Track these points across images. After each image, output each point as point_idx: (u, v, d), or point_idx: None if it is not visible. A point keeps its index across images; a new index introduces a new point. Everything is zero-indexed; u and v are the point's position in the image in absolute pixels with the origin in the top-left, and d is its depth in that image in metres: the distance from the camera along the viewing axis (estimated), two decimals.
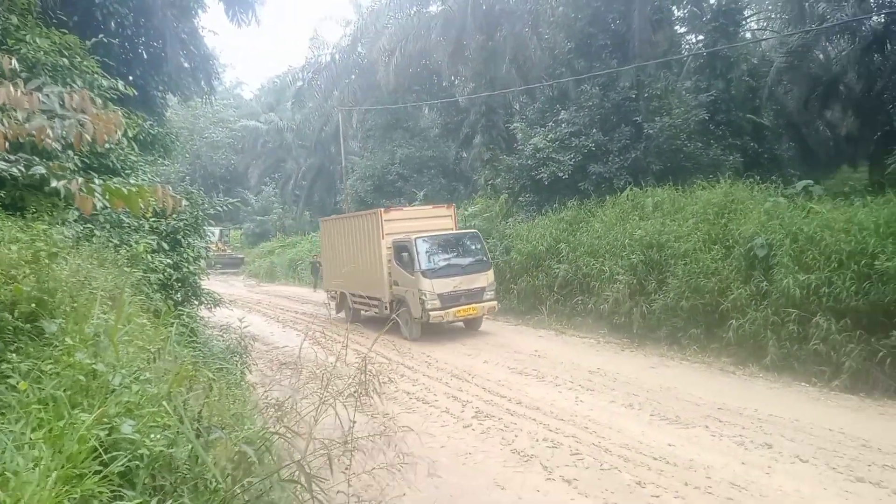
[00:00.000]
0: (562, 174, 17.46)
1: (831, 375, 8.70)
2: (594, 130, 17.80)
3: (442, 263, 13.55)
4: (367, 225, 15.16)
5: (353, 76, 33.07)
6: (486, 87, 23.81)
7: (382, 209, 15.16)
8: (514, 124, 20.72)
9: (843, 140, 24.04)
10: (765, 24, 26.64)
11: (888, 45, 19.16)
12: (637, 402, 8.52)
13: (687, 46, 23.02)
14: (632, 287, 12.41)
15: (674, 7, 20.93)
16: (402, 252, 13.73)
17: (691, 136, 17.47)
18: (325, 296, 19.80)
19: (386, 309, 14.33)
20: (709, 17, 19.62)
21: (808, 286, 9.21)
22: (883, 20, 19.30)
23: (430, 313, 13.08)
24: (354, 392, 3.71)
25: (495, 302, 14.02)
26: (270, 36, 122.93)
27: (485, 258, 14.12)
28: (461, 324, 14.25)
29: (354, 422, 3.76)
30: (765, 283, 10.02)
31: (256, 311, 19.67)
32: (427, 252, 13.47)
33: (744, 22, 21.95)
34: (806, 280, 9.26)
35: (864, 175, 21.10)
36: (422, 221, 14.79)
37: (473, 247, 14.27)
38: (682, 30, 22.96)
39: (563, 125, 18.29)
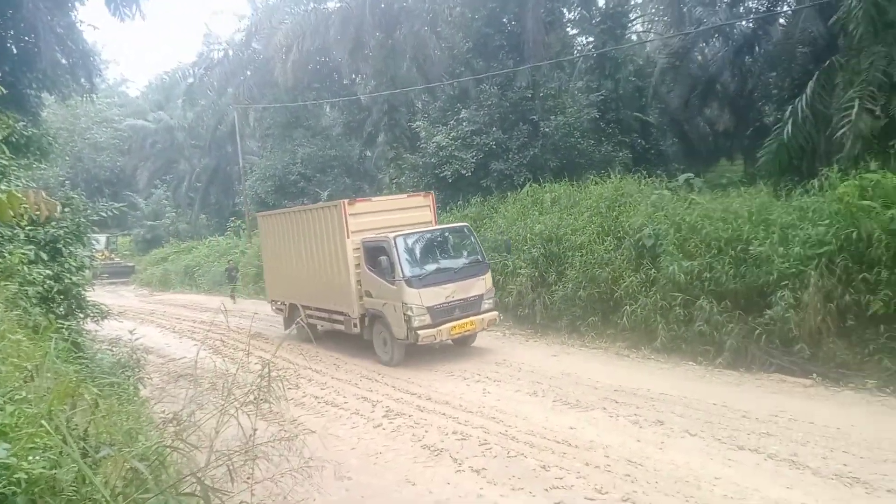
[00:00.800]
0: (465, 172, 17.79)
1: (715, 353, 9.41)
2: (494, 129, 18.25)
3: (430, 268, 10.92)
4: (325, 221, 12.26)
5: (248, 73, 32.01)
6: (388, 85, 23.77)
7: (346, 200, 11.93)
8: (417, 123, 20.87)
9: (721, 135, 25.94)
10: (649, 26, 28.26)
11: (757, 47, 20.93)
12: (541, 389, 8.84)
13: (578, 48, 24.03)
14: (534, 280, 12.85)
15: (565, 10, 21.78)
16: (378, 255, 10.80)
17: (584, 133, 18.33)
18: (239, 306, 19.01)
19: (355, 326, 11.72)
20: (598, 19, 20.60)
21: (692, 272, 9.90)
22: (752, 25, 21.10)
23: (419, 332, 10.37)
24: (255, 399, 3.62)
25: (496, 312, 11.49)
26: (157, 31, 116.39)
27: (481, 258, 11.58)
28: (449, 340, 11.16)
29: (256, 429, 3.67)
30: (653, 270, 10.69)
31: (150, 321, 18.61)
32: (411, 254, 10.86)
33: (629, 25, 23.20)
34: (689, 266, 9.94)
35: (740, 168, 22.93)
36: (395, 214, 12.08)
37: (465, 244, 11.78)
38: (574, 32, 23.92)
39: (464, 123, 18.60)
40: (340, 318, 12.20)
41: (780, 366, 8.81)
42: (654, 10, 25.82)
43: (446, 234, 12.04)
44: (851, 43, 11.83)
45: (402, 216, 12.13)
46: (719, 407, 7.58)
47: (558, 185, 15.33)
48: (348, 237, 11.55)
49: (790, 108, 12.66)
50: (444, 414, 8.20)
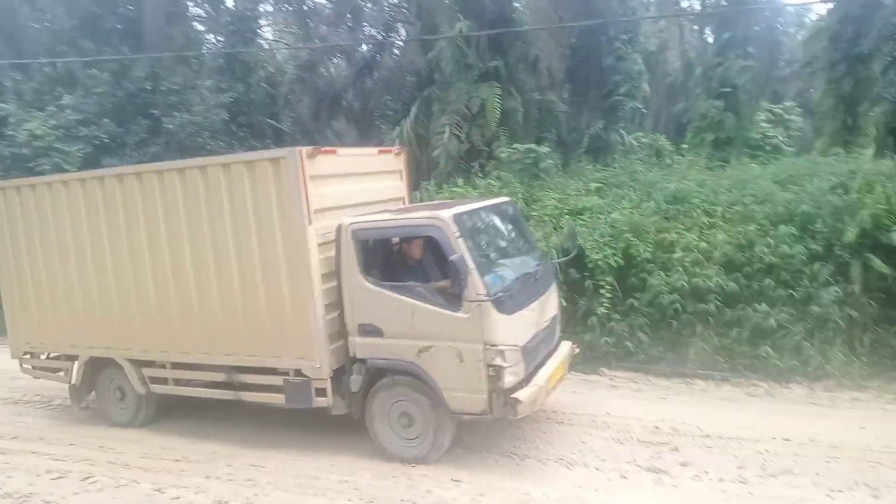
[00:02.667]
0: (69, 167, 15.39)
1: None
2: (107, 120, 16.31)
3: (510, 276, 6.11)
4: (231, 191, 6.30)
5: None
6: None
7: (306, 149, 6.01)
8: (3, 105, 17.28)
9: None
10: (279, 36, 28.85)
11: (375, 72, 23.30)
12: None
13: (208, 46, 23.10)
14: None
15: (190, 3, 20.79)
16: (405, 255, 6.38)
17: (214, 134, 17.69)
18: None
19: (320, 395, 6.23)
20: (227, 20, 20.17)
21: None
22: (371, 51, 23.39)
23: (517, 398, 5.57)
24: None
25: (570, 343, 7.30)
26: None
27: (539, 253, 7.42)
28: None
29: None
30: None
31: None
32: (484, 252, 6.15)
33: (260, 30, 23.32)
34: None
35: None
36: (361, 184, 6.93)
37: (520, 232, 7.26)
38: (202, 28, 22.94)
39: (68, 111, 16.15)
40: (268, 380, 6.52)
41: None
42: (283, 21, 26.49)
43: (498, 214, 6.96)
44: (444, 77, 14.17)
45: (369, 187, 7.08)
46: None
47: None
48: (309, 222, 5.99)
49: (398, 128, 14.49)
50: (36, 452, 6.99)
